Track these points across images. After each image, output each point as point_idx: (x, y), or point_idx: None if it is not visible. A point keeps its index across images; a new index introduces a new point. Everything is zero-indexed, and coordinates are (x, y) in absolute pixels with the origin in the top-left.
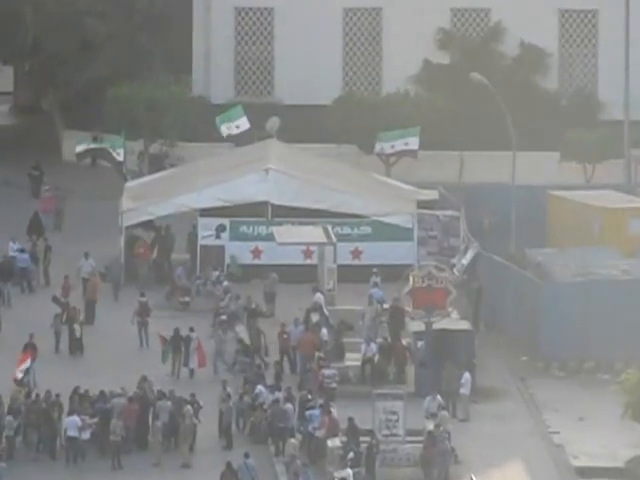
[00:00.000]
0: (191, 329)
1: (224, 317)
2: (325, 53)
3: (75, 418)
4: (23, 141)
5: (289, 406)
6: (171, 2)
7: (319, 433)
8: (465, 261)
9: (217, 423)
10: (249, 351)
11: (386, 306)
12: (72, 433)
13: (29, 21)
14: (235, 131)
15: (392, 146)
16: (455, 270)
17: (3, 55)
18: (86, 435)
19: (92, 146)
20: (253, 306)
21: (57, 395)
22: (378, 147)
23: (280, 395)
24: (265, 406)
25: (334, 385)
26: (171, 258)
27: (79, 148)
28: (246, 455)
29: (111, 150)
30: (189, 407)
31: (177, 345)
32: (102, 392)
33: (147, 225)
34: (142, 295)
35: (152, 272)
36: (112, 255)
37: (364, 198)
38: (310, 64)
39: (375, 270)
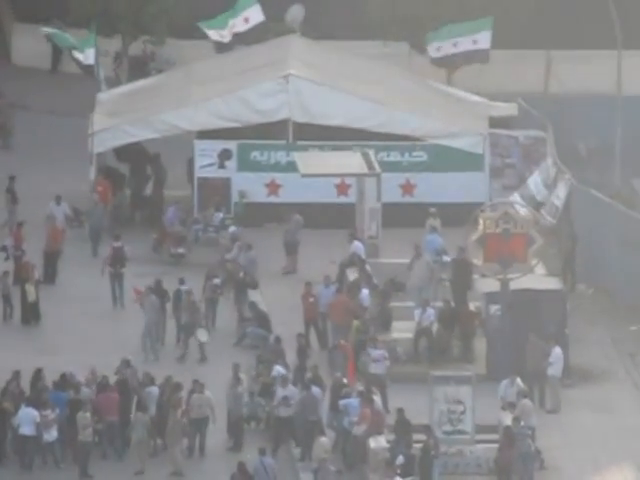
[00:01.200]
0: (181, 281)
1: (217, 280)
2: None
3: (32, 411)
4: None
5: (316, 391)
6: None
7: (358, 430)
8: (558, 200)
9: (225, 417)
10: (265, 320)
11: (448, 259)
12: (26, 431)
13: None
14: (243, 26)
15: (454, 44)
16: (544, 212)
17: None
18: (51, 435)
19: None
20: (241, 275)
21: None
22: (434, 48)
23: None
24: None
25: (382, 371)
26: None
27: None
28: (262, 452)
29: (78, 52)
30: (182, 394)
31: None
32: (64, 375)
33: (124, 151)
34: (116, 239)
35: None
36: (88, 195)
37: (418, 114)
38: None
39: (433, 210)
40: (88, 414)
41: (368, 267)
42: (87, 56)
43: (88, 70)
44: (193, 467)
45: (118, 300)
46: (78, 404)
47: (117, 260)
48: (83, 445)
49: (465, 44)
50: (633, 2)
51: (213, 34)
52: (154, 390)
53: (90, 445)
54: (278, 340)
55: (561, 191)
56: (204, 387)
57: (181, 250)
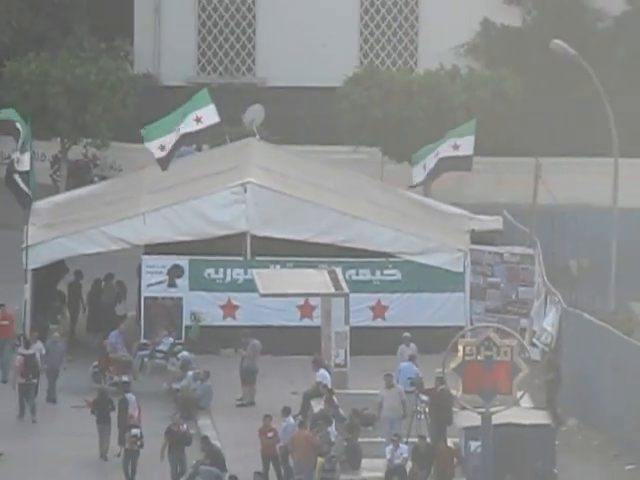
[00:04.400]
0: (125, 388)
1: (136, 431)
2: (333, 10)
3: None
4: None
5: None
6: None
7: None
8: (551, 327)
9: None
10: (219, 457)
11: (424, 397)
12: None
13: None
14: (194, 127)
15: (436, 154)
16: (539, 343)
17: None
18: None
19: None
20: (181, 429)
21: None
22: (418, 172)
23: None
24: None
25: None
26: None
27: None
28: None
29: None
30: None
31: (104, 414)
32: None
33: (56, 268)
34: (27, 345)
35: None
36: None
37: (391, 227)
38: (309, 27)
39: (407, 335)
40: None
41: (335, 398)
42: (21, 161)
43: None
44: None
45: (26, 411)
46: None
47: (29, 368)
48: None
49: (445, 150)
50: (630, 103)
51: (153, 148)
52: None
53: None
54: (234, 479)
55: (552, 315)
56: None
57: (125, 378)
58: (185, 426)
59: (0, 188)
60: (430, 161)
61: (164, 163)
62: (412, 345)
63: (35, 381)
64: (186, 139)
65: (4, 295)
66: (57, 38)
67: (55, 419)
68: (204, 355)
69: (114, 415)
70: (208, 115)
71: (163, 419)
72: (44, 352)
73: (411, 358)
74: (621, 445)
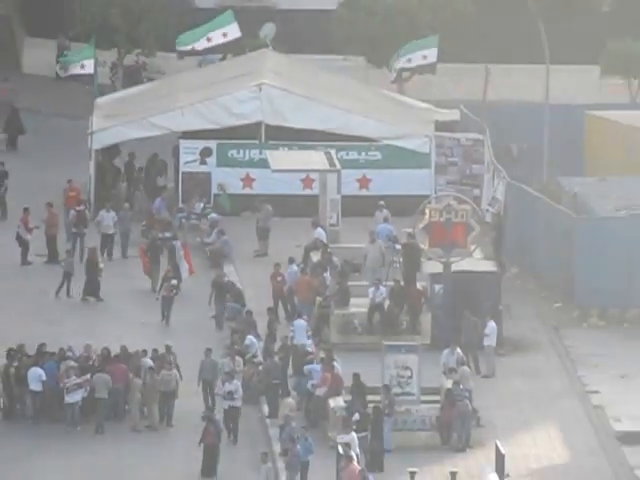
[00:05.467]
0: (173, 237)
1: (174, 282)
2: None
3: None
4: None
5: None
6: None
7: (319, 391)
8: (500, 195)
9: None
10: (240, 295)
11: (398, 246)
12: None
13: None
14: (221, 40)
15: (409, 59)
16: (490, 208)
17: None
18: (72, 398)
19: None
20: (224, 280)
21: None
22: (395, 66)
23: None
24: (256, 359)
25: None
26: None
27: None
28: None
29: (78, 64)
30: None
31: (155, 256)
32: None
33: (110, 151)
34: (79, 203)
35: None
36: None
37: (373, 118)
38: None
39: (382, 203)
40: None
41: (329, 251)
42: (87, 66)
43: (88, 81)
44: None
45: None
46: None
47: (80, 221)
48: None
49: (417, 59)
50: (559, 23)
51: (186, 49)
52: (148, 361)
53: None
54: (250, 313)
55: (500, 186)
56: (172, 365)
57: (168, 234)
58: (227, 278)
59: (72, 89)
60: (403, 63)
61: (184, 54)
62: (385, 210)
63: (85, 230)
64: (216, 49)
65: (73, 172)
66: None
67: (115, 265)
68: (228, 216)
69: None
70: (232, 31)
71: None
72: (116, 219)
73: (385, 220)
74: (550, 288)
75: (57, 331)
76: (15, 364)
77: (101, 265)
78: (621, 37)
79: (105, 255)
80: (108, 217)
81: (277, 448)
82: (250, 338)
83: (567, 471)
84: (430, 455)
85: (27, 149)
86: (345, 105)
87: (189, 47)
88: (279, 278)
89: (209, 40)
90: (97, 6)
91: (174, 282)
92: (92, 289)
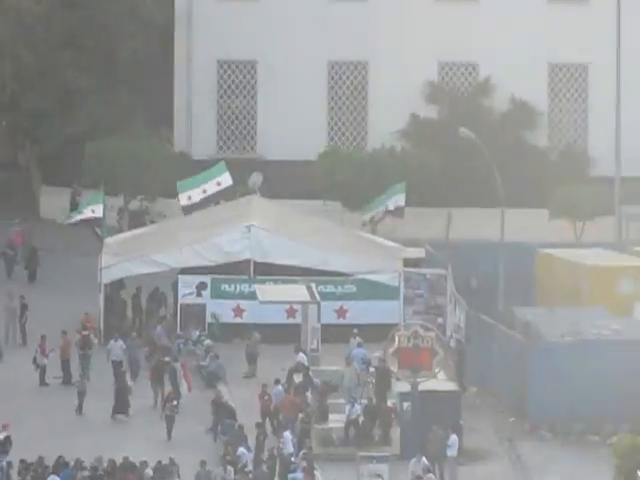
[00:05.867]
0: (174, 360)
1: (175, 402)
2: (309, 107)
3: None
4: None
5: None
6: (152, 55)
7: None
8: (462, 323)
9: None
10: (232, 412)
11: (371, 368)
12: None
13: (7, 75)
14: (216, 189)
15: (386, 207)
16: (454, 335)
17: None
18: None
19: (79, 217)
20: (222, 401)
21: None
22: (366, 219)
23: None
24: (247, 469)
25: None
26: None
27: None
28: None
29: (89, 209)
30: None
31: (159, 377)
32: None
33: (118, 284)
34: (85, 328)
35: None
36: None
37: (349, 256)
38: (294, 118)
39: (355, 331)
40: None
41: (310, 373)
42: (97, 210)
43: (95, 225)
44: None
45: (85, 374)
46: None
47: (85, 344)
48: None
49: (390, 206)
50: (513, 171)
51: (182, 198)
52: (149, 472)
53: None
54: (241, 428)
55: (462, 315)
56: (173, 475)
57: (167, 359)
58: (225, 400)
59: (80, 230)
60: (379, 214)
61: (188, 210)
62: (357, 338)
63: (90, 352)
64: (211, 198)
65: (84, 303)
66: (123, 127)
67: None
68: (220, 343)
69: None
70: (225, 179)
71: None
72: (124, 347)
73: (359, 345)
74: (506, 405)
75: (72, 444)
76: (31, 474)
77: (130, 383)
78: (567, 184)
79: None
80: (116, 346)
81: None
82: (241, 450)
83: None
84: None
85: (44, 282)
86: (324, 244)
87: (187, 194)
88: (266, 397)
89: (204, 191)
90: (105, 157)
91: (175, 403)
92: (122, 407)
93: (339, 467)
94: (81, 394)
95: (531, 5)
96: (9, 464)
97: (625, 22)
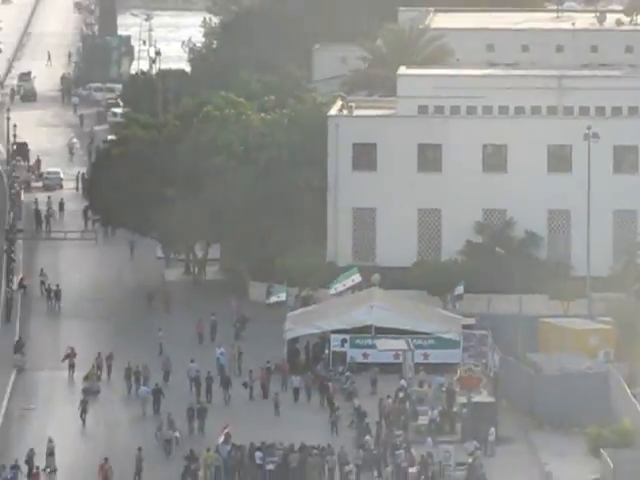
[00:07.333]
0: (328, 382)
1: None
2: (405, 236)
3: None
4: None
5: None
6: (309, 202)
7: None
8: (497, 362)
9: None
10: (365, 415)
11: (443, 388)
12: None
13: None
14: (351, 283)
15: (343, 284)
16: (493, 370)
17: (215, 239)
18: None
19: (274, 299)
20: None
21: None
22: (332, 289)
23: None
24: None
25: None
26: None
27: (270, 300)
28: None
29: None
30: None
31: (322, 394)
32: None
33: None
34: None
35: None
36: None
37: (431, 322)
38: (398, 241)
39: (421, 368)
40: None
41: (407, 391)
42: (280, 295)
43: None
44: None
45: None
46: None
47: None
48: None
49: (347, 284)
50: None
51: (331, 289)
52: None
53: None
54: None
55: (497, 359)
56: None
57: (326, 382)
58: (360, 406)
59: (274, 308)
60: (339, 284)
61: (336, 296)
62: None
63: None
64: (349, 289)
65: (276, 352)
66: (296, 249)
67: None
68: (355, 374)
69: None
70: (357, 278)
71: None
72: (299, 378)
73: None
74: (523, 410)
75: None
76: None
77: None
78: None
79: None
80: (295, 380)
81: None
82: (367, 437)
83: None
84: None
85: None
86: (417, 315)
87: (334, 287)
88: (387, 401)
89: (344, 285)
90: (287, 267)
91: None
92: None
93: (425, 446)
94: (275, 403)
95: None
96: None
97: None
